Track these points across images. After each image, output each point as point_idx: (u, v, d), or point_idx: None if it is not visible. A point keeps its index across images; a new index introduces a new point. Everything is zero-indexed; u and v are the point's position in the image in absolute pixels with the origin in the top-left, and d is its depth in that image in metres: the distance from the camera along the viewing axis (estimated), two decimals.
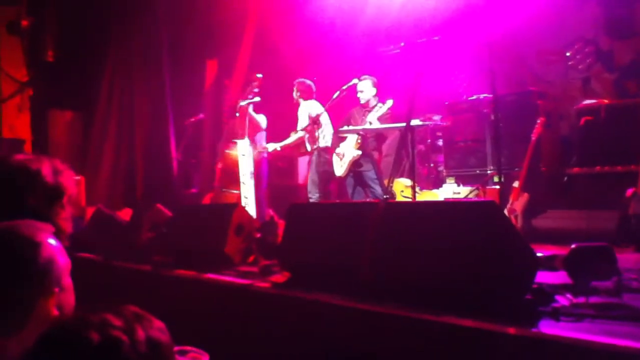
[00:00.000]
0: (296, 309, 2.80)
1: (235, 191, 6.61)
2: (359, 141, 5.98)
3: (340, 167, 6.16)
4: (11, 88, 8.29)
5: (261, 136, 6.91)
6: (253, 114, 6.62)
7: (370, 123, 5.85)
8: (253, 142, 6.62)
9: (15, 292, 1.30)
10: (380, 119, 5.87)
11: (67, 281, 1.41)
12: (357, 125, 6.06)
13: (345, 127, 5.94)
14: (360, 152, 5.98)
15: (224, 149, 6.97)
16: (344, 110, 6.54)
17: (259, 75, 6.55)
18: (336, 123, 6.48)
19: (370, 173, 6.00)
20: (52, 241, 1.39)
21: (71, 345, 0.91)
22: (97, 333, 0.92)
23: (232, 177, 6.64)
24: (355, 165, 6.04)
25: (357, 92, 6.17)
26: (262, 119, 6.77)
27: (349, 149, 6.06)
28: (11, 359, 1.23)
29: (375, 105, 6.04)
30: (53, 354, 0.92)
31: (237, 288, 3.16)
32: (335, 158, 6.24)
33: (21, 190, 1.83)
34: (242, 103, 6.57)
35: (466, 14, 6.29)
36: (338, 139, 6.28)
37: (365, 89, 6.14)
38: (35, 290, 1.32)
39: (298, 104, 6.72)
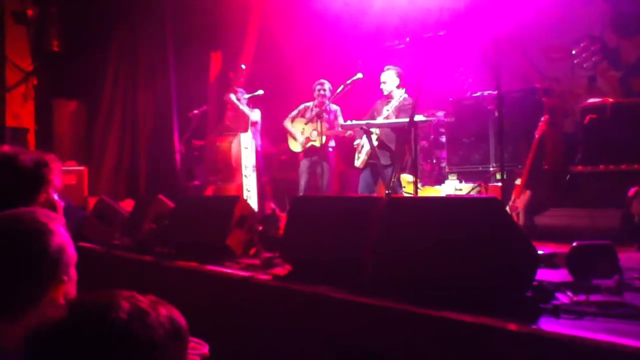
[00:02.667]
0: (297, 301, 2.81)
1: (221, 183, 6.61)
2: (378, 134, 5.91)
3: (358, 159, 6.10)
4: (16, 77, 8.30)
5: (255, 130, 6.89)
6: (241, 105, 6.60)
7: (388, 112, 5.76)
8: (239, 134, 6.61)
9: (25, 279, 1.31)
10: (399, 110, 5.79)
11: (73, 272, 1.42)
12: (378, 116, 5.99)
13: (354, 122, 5.86)
14: (376, 144, 5.90)
15: (215, 142, 6.97)
16: (350, 104, 6.52)
17: (243, 67, 6.53)
18: (361, 114, 6.41)
19: (387, 167, 5.88)
20: (63, 231, 1.40)
21: (105, 311, 0.96)
22: (127, 302, 0.98)
23: (223, 170, 6.64)
24: (372, 157, 5.98)
25: (380, 83, 6.09)
26: (255, 113, 6.76)
27: (367, 142, 5.98)
28: (11, 342, 1.24)
29: (397, 96, 5.94)
30: (87, 317, 0.96)
31: (239, 280, 3.16)
32: (356, 150, 6.19)
33: None
34: (232, 95, 6.57)
35: (472, 9, 6.26)
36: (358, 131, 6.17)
37: (389, 79, 6.04)
38: (45, 278, 1.33)
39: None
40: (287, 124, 6.78)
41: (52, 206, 1.94)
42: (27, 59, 8.43)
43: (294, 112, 6.80)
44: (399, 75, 6.06)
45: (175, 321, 1.03)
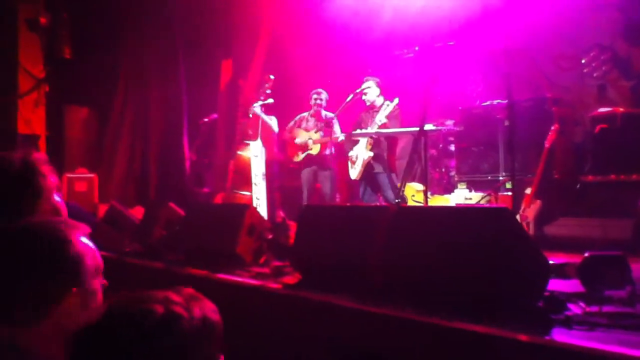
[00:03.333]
0: (307, 310, 2.81)
1: (246, 193, 6.63)
2: (371, 142, 5.99)
3: (354, 170, 6.16)
4: (29, 84, 8.38)
5: (272, 138, 6.92)
6: (263, 115, 6.64)
7: (381, 121, 5.86)
8: (265, 143, 6.64)
9: (40, 286, 1.32)
10: (389, 117, 5.88)
11: (97, 283, 1.43)
12: (366, 128, 6.07)
13: (359, 131, 5.93)
14: (372, 154, 5.98)
15: (236, 150, 6.99)
16: (351, 115, 6.56)
17: (272, 77, 6.57)
18: (347, 127, 6.49)
19: (382, 176, 6.02)
20: (85, 240, 1.41)
21: (138, 314, 1.00)
22: (161, 306, 1.02)
23: (243, 178, 6.66)
24: (368, 167, 6.04)
25: (361, 95, 6.18)
26: (273, 121, 6.79)
27: (361, 151, 6.06)
28: (24, 349, 1.25)
29: (382, 104, 6.04)
30: (121, 321, 1.00)
31: (249, 288, 3.17)
32: (349, 161, 6.24)
33: None
34: (256, 104, 6.59)
35: (482, 19, 6.27)
36: (350, 142, 6.29)
37: (369, 90, 6.17)
38: (60, 286, 1.34)
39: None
40: (286, 135, 6.85)
41: (55, 211, 1.92)
42: (39, 66, 8.50)
43: (291, 123, 6.84)
44: (379, 85, 6.24)
45: (209, 320, 1.07)
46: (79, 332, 1.02)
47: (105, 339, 0.99)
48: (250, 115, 6.70)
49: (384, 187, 6.00)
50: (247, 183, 6.52)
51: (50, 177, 1.93)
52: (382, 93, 6.25)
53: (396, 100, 5.92)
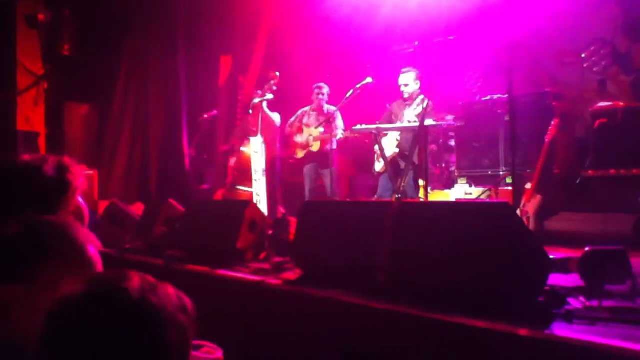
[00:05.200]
0: (308, 306, 2.81)
1: (247, 189, 6.62)
2: (399, 139, 5.85)
3: (378, 163, 6.08)
4: (27, 81, 8.37)
5: (274, 135, 6.92)
6: (268, 111, 6.62)
7: (409, 121, 5.69)
8: (267, 140, 6.63)
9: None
10: (420, 117, 5.74)
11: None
12: (397, 120, 5.93)
13: (359, 126, 5.83)
14: (398, 150, 5.88)
15: (238, 146, 6.99)
16: (353, 110, 6.51)
17: (277, 73, 6.54)
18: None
19: (409, 173, 5.80)
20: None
21: (119, 282, 1.01)
22: (138, 277, 1.04)
23: (244, 174, 6.66)
24: (393, 162, 5.91)
25: (399, 86, 6.01)
26: (276, 117, 6.78)
27: (388, 146, 5.94)
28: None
29: (417, 99, 5.86)
30: (103, 288, 1.01)
31: (250, 284, 3.17)
32: (375, 155, 6.13)
33: (23, 188, 1.91)
34: (257, 100, 6.58)
35: (482, 14, 6.25)
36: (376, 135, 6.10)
37: (411, 82, 5.98)
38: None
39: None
40: (288, 130, 6.82)
41: (79, 211, 1.97)
42: (38, 63, 8.49)
43: (293, 119, 6.82)
44: (419, 78, 6.02)
45: (182, 297, 1.07)
46: (57, 302, 1.01)
47: (86, 307, 0.97)
48: (251, 111, 6.69)
49: (406, 184, 5.83)
50: (248, 179, 6.51)
51: (79, 178, 1.99)
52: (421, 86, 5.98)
53: (427, 102, 5.75)
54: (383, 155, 5.72)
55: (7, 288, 1.31)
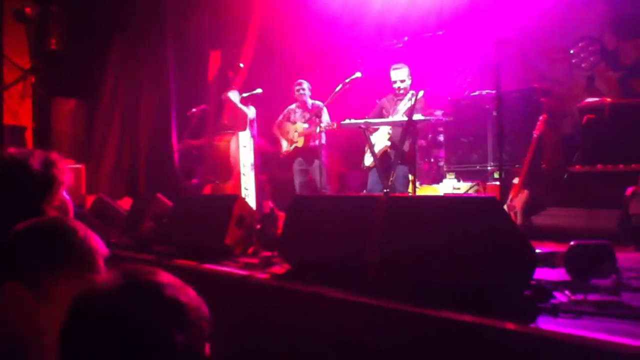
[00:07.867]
0: (295, 300, 2.81)
1: (220, 182, 6.60)
2: (390, 132, 5.85)
3: (369, 157, 6.06)
4: (14, 75, 8.29)
5: (251, 127, 6.89)
6: (239, 104, 6.59)
7: (404, 114, 5.67)
8: (237, 133, 6.61)
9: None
10: (414, 110, 5.73)
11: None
12: (389, 115, 5.94)
13: (347, 121, 5.81)
14: (389, 143, 5.88)
15: (213, 141, 6.96)
16: (341, 105, 6.48)
17: (241, 65, 6.51)
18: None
19: (399, 167, 5.77)
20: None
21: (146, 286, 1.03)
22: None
23: (222, 169, 6.64)
24: (384, 156, 5.90)
25: (394, 81, 6.02)
26: (249, 110, 6.76)
27: (380, 140, 5.93)
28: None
29: (407, 93, 5.88)
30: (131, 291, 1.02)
31: (237, 279, 3.17)
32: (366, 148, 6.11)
33: (9, 182, 1.90)
34: (229, 93, 6.56)
35: (471, 9, 6.26)
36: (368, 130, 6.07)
37: (405, 77, 6.00)
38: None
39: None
40: (276, 130, 6.81)
41: (64, 206, 1.96)
42: (25, 57, 8.41)
43: (280, 117, 6.81)
44: (411, 73, 6.04)
45: (202, 301, 1.10)
46: (82, 295, 1.03)
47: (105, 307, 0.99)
48: (226, 105, 6.68)
49: (397, 177, 5.80)
50: (227, 173, 6.49)
51: (65, 173, 1.98)
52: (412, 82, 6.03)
53: (421, 93, 5.75)
54: (372, 151, 5.72)
55: (16, 284, 1.32)
